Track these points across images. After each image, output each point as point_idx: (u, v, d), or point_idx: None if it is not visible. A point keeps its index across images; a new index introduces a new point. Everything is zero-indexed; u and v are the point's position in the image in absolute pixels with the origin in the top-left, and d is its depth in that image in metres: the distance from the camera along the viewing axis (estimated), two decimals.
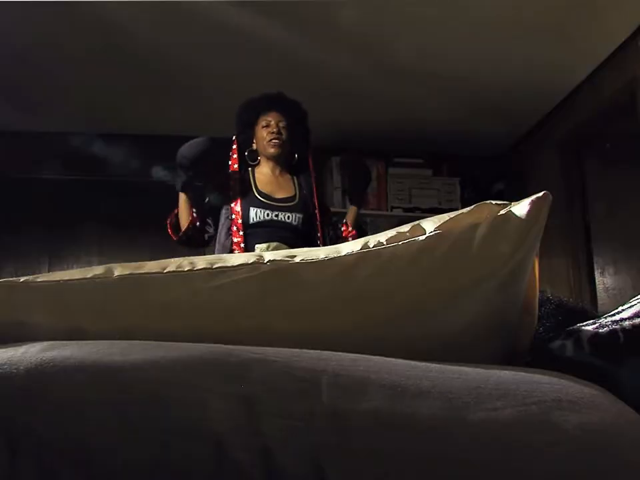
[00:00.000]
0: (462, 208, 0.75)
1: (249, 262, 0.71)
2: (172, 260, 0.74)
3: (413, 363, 0.61)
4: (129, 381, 0.55)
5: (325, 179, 4.11)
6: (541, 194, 0.69)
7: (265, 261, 0.71)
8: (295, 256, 0.71)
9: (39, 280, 0.74)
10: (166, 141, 4.07)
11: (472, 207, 0.70)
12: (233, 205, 2.52)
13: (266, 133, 2.55)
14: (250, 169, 2.62)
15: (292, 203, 2.55)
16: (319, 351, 0.61)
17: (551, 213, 0.70)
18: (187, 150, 2.42)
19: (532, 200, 0.68)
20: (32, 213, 4.02)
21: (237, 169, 2.59)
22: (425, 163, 4.16)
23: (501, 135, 4.09)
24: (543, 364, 0.71)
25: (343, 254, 0.70)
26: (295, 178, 2.63)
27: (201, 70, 3.31)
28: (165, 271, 0.72)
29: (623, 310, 0.80)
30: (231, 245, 2.47)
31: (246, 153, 2.62)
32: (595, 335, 0.78)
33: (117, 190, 4.09)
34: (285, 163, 2.62)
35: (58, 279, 0.74)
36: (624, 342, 0.75)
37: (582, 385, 0.59)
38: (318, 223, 2.55)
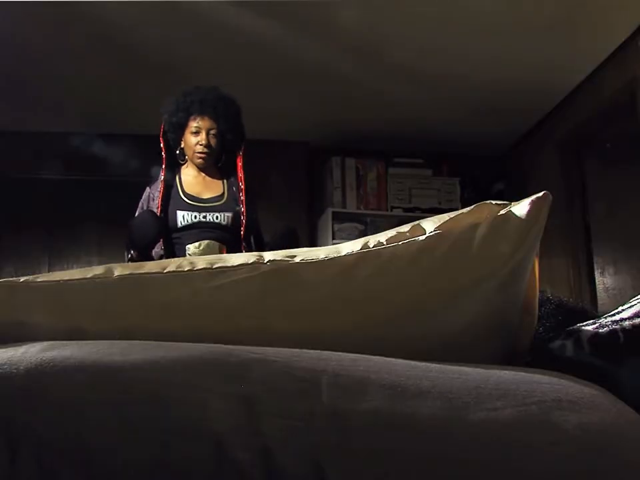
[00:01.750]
0: (462, 208, 0.75)
1: (249, 262, 0.71)
2: (172, 260, 0.74)
3: (412, 363, 0.61)
4: (129, 381, 0.55)
5: (325, 179, 4.11)
6: (540, 194, 0.69)
7: (265, 261, 0.71)
8: (295, 256, 0.71)
9: (39, 280, 0.74)
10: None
11: (472, 207, 0.70)
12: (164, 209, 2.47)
13: (195, 142, 2.49)
14: (176, 168, 2.58)
15: (220, 202, 2.51)
16: (318, 351, 0.61)
17: (551, 212, 0.70)
18: (137, 237, 2.45)
19: (532, 200, 0.68)
20: (32, 213, 4.02)
21: (164, 169, 2.54)
22: (424, 163, 4.16)
23: (501, 135, 4.09)
24: (543, 364, 0.71)
25: (343, 254, 0.70)
26: (223, 178, 2.59)
27: (201, 70, 3.31)
28: (164, 271, 0.72)
29: (623, 310, 0.80)
30: (162, 251, 2.45)
31: (177, 152, 2.57)
32: (595, 335, 0.78)
33: (117, 190, 4.09)
34: (213, 166, 2.58)
35: (58, 278, 0.74)
36: (624, 342, 0.75)
37: (582, 385, 0.59)
38: (242, 228, 2.48)
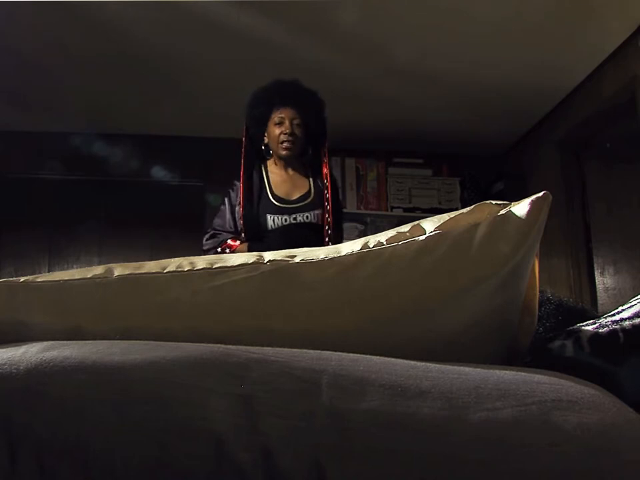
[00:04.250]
0: (462, 208, 0.75)
1: (249, 262, 0.71)
2: (172, 260, 0.74)
3: (412, 363, 0.61)
4: (129, 381, 0.55)
5: None
6: (541, 194, 0.69)
7: (265, 261, 0.71)
8: (295, 256, 0.71)
9: (39, 280, 0.74)
10: (166, 140, 4.09)
11: (472, 206, 0.70)
12: (238, 209, 2.44)
13: (279, 132, 2.44)
14: (262, 166, 2.53)
15: (308, 201, 2.48)
16: (318, 351, 0.61)
17: (551, 212, 0.70)
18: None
19: (532, 200, 0.68)
20: (32, 213, 4.02)
21: (244, 169, 2.50)
22: (424, 163, 4.16)
23: (501, 135, 4.09)
24: (542, 364, 0.71)
25: (343, 254, 0.70)
26: (309, 176, 2.55)
27: (201, 70, 3.31)
28: (164, 271, 0.72)
29: (623, 310, 0.80)
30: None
31: (262, 147, 2.53)
32: (595, 335, 0.78)
33: (117, 190, 4.10)
34: (298, 160, 2.53)
35: (58, 278, 0.74)
36: (624, 342, 0.75)
37: (582, 384, 0.59)
38: (329, 219, 2.45)
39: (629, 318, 0.78)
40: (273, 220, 2.42)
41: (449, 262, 0.67)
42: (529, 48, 3.04)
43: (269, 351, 0.59)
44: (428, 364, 0.60)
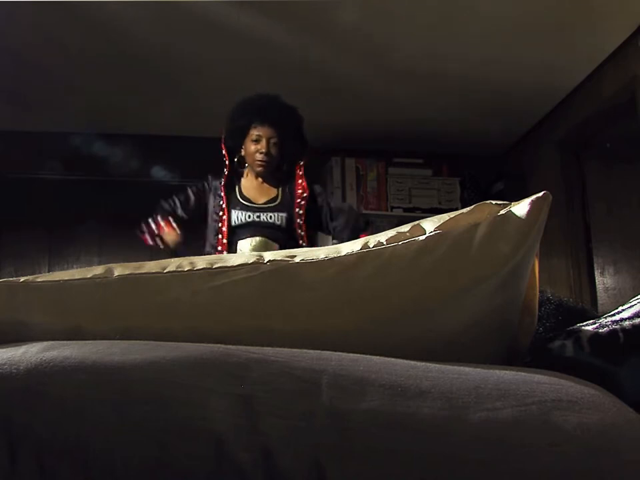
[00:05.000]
0: (462, 208, 0.75)
1: (249, 262, 0.71)
2: (172, 260, 0.74)
3: (412, 362, 0.61)
4: (129, 381, 0.55)
5: (325, 179, 4.11)
6: (541, 194, 0.69)
7: (265, 261, 0.71)
8: (295, 256, 0.71)
9: (39, 280, 0.74)
10: (166, 141, 4.08)
11: (472, 206, 0.70)
12: (222, 207, 2.55)
13: (255, 149, 2.52)
14: (235, 176, 2.64)
15: (274, 204, 2.56)
16: (318, 351, 0.61)
17: (551, 212, 0.70)
18: None
19: (532, 200, 0.68)
20: (32, 213, 4.02)
21: (227, 174, 2.61)
22: (424, 163, 4.16)
23: (501, 135, 4.09)
24: (542, 364, 0.71)
25: (343, 254, 0.70)
26: (280, 186, 2.63)
27: (201, 70, 3.31)
28: (164, 271, 0.72)
29: (623, 310, 0.80)
30: (217, 244, 2.51)
31: (235, 159, 2.62)
32: (595, 335, 0.78)
33: (117, 190, 4.10)
34: (271, 175, 2.62)
35: (58, 278, 0.74)
36: (624, 342, 0.75)
37: (582, 384, 0.59)
38: (302, 233, 2.54)
39: (629, 318, 0.77)
40: (237, 216, 2.51)
41: (449, 262, 0.67)
42: (529, 48, 3.04)
43: (269, 351, 0.59)
44: (428, 364, 0.60)
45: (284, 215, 2.53)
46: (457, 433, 0.51)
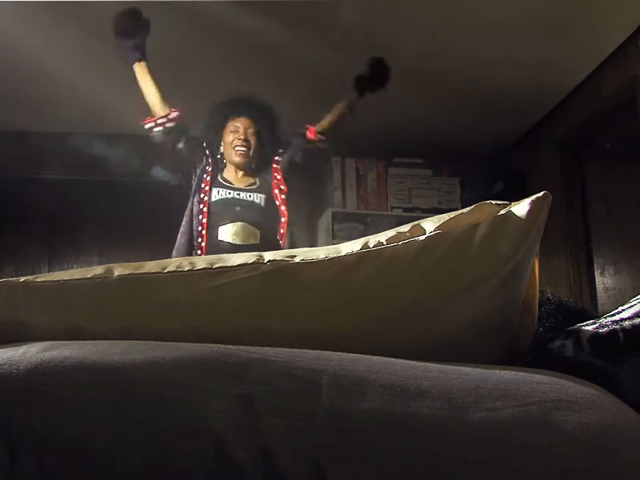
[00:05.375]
0: (462, 208, 0.75)
1: (249, 262, 0.71)
2: (172, 260, 0.74)
3: (412, 363, 0.61)
4: (129, 381, 0.55)
5: (325, 179, 4.11)
6: (541, 194, 0.69)
7: (265, 261, 0.71)
8: (295, 256, 0.71)
9: (39, 280, 0.74)
10: None
11: (472, 206, 0.70)
12: (203, 188, 2.56)
13: (233, 138, 2.57)
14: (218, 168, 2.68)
15: (253, 187, 2.60)
16: (318, 351, 0.61)
17: (551, 212, 0.70)
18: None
19: (532, 200, 0.68)
20: (32, 213, 4.02)
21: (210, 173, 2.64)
22: (424, 163, 4.16)
23: (501, 135, 4.09)
24: (542, 364, 0.71)
25: (343, 254, 0.70)
26: (258, 177, 2.67)
27: (200, 69, 3.31)
28: (164, 271, 0.72)
29: (623, 310, 0.80)
30: (198, 225, 2.52)
31: (218, 156, 2.66)
32: (595, 335, 0.78)
33: (117, 190, 4.09)
34: (249, 167, 2.65)
35: (58, 278, 0.74)
36: (624, 342, 0.75)
37: (582, 384, 0.59)
38: (283, 219, 2.57)
39: (629, 318, 0.77)
40: (218, 191, 2.55)
41: (449, 262, 0.67)
42: (529, 48, 3.04)
43: (269, 351, 0.59)
44: (428, 364, 0.60)
45: (263, 195, 2.57)
46: (457, 433, 0.51)
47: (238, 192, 2.56)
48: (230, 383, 0.55)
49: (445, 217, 0.71)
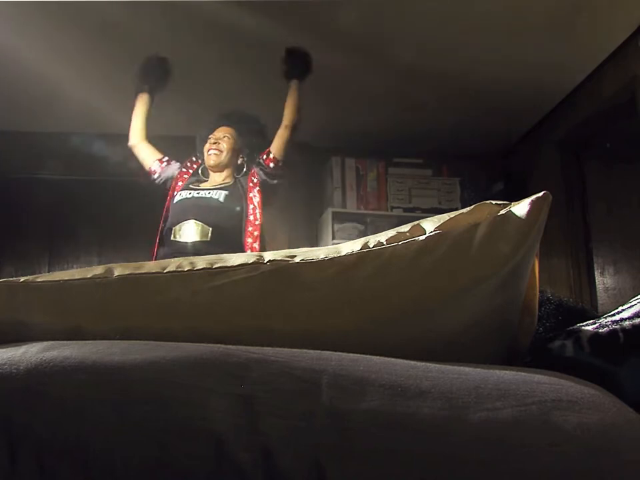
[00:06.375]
0: (462, 208, 0.75)
1: (249, 262, 0.71)
2: (172, 260, 0.75)
3: (412, 363, 0.61)
4: (129, 381, 0.55)
5: (325, 179, 4.11)
6: (541, 194, 0.69)
7: (265, 261, 0.71)
8: (295, 256, 0.71)
9: (39, 280, 0.74)
10: (166, 140, 4.08)
11: (472, 206, 0.70)
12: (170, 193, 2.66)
13: (209, 147, 2.68)
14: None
15: (219, 185, 2.65)
16: (318, 351, 0.61)
17: (551, 212, 0.70)
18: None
19: (532, 200, 0.68)
20: (32, 213, 4.02)
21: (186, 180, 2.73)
22: (424, 163, 4.16)
23: (501, 135, 4.09)
24: (542, 364, 0.71)
25: (343, 254, 0.70)
26: (234, 179, 2.72)
27: (201, 70, 3.31)
28: (164, 271, 0.72)
29: (623, 310, 0.80)
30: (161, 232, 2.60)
31: (201, 170, 2.76)
32: (595, 335, 0.78)
33: (117, 190, 4.09)
34: (224, 169, 2.70)
35: (58, 278, 0.74)
36: (624, 342, 0.75)
37: (582, 384, 0.59)
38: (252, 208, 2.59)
39: (629, 318, 0.77)
40: (180, 194, 2.63)
41: (449, 262, 0.67)
42: (529, 48, 3.04)
43: (269, 351, 0.59)
44: (428, 364, 0.60)
45: (224, 192, 2.60)
46: (457, 432, 0.51)
47: (198, 191, 2.61)
48: (230, 383, 0.55)
49: (445, 216, 0.71)
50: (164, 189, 2.75)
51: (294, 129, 2.70)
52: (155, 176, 2.74)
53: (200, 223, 2.49)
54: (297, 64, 2.76)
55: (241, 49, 3.08)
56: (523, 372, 0.61)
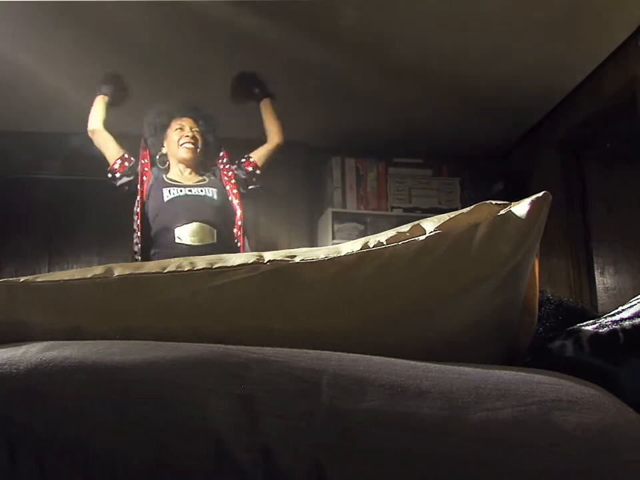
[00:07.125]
0: (462, 208, 0.75)
1: (249, 262, 0.71)
2: (172, 260, 0.74)
3: (412, 363, 0.61)
4: (129, 381, 0.55)
5: (325, 179, 4.11)
6: (541, 194, 0.69)
7: (265, 261, 0.71)
8: (295, 256, 0.71)
9: (39, 280, 0.74)
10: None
11: (472, 206, 0.70)
12: (138, 202, 2.57)
13: (179, 136, 2.59)
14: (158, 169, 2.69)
15: (202, 182, 2.61)
16: (318, 351, 0.61)
17: (551, 212, 0.70)
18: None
19: (532, 200, 0.68)
20: (32, 213, 4.02)
21: (149, 172, 2.65)
22: (424, 163, 4.16)
23: (501, 135, 4.09)
24: (542, 364, 0.71)
25: (343, 254, 0.70)
26: (205, 174, 2.69)
27: (199, 69, 3.31)
28: (164, 271, 0.72)
29: (623, 310, 0.80)
30: (150, 229, 2.53)
31: (157, 157, 2.66)
32: (595, 335, 0.78)
33: (117, 190, 4.09)
34: (196, 165, 2.66)
35: (58, 278, 0.74)
36: (624, 342, 0.75)
37: (582, 384, 0.59)
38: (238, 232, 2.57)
39: (629, 318, 0.77)
40: (169, 191, 2.53)
41: (449, 262, 0.67)
42: (529, 48, 3.04)
43: (269, 351, 0.59)
44: (428, 364, 0.60)
45: (215, 189, 2.57)
46: (457, 432, 0.51)
47: (189, 189, 2.55)
48: (230, 383, 0.55)
49: (445, 216, 0.71)
50: (124, 191, 2.69)
51: (279, 147, 2.70)
52: (118, 175, 2.67)
53: (206, 225, 2.46)
54: (256, 83, 2.79)
55: (240, 49, 3.08)
56: (523, 372, 0.61)
